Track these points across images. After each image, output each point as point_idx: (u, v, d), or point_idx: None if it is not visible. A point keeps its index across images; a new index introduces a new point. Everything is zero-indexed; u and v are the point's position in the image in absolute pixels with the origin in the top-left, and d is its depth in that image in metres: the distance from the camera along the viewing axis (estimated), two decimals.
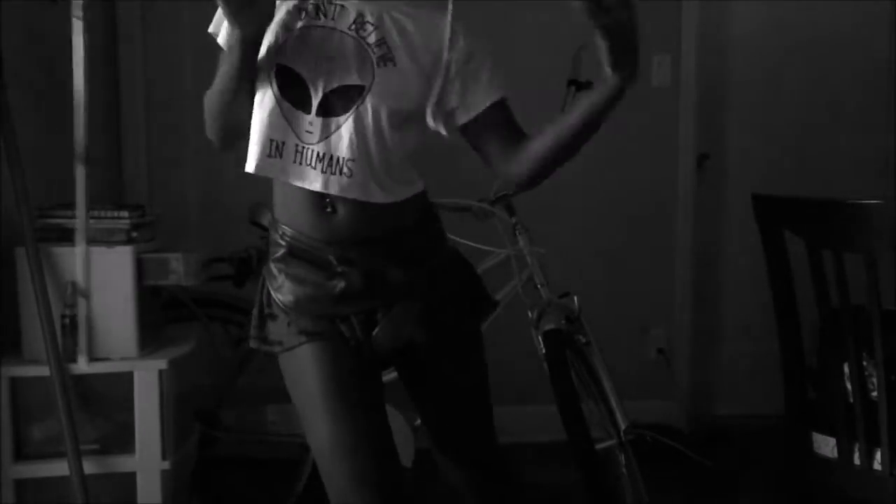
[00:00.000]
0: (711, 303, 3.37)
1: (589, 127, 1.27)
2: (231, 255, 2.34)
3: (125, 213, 2.08)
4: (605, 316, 2.65)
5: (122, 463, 2.03)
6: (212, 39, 1.36)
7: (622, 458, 2.04)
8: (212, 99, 1.33)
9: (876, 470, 1.94)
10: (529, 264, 2.21)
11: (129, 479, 2.03)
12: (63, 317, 1.98)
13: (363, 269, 1.36)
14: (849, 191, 2.32)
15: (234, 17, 1.21)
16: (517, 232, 2.23)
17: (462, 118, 1.36)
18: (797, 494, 2.47)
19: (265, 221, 2.20)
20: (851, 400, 1.99)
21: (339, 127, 1.29)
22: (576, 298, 2.12)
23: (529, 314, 2.16)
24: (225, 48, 1.32)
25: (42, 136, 2.25)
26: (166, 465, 2.04)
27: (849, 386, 2.01)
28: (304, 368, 1.36)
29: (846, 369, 2.02)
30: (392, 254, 1.37)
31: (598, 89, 1.22)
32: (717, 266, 3.38)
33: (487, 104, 1.35)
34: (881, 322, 1.91)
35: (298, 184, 1.31)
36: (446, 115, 1.36)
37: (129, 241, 2.07)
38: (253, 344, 1.45)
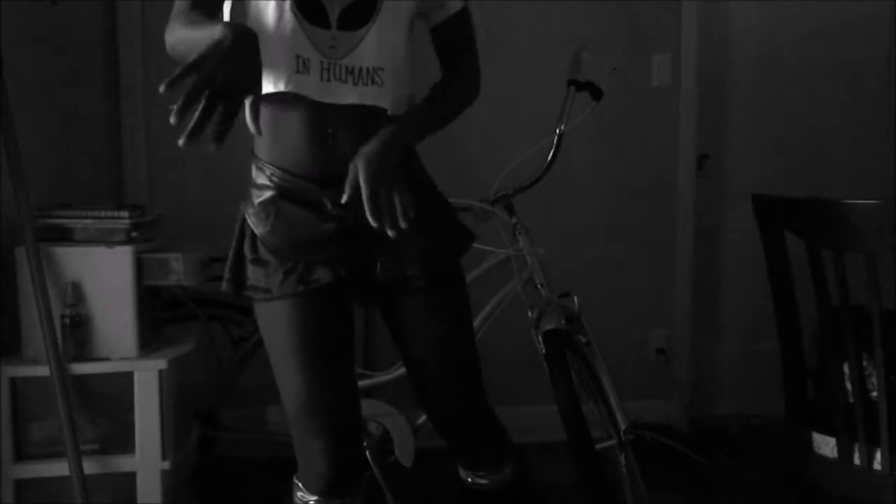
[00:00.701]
0: (711, 303, 3.37)
1: None
2: None
3: (125, 213, 2.09)
4: (605, 316, 2.65)
5: (122, 463, 2.04)
6: None
7: (622, 458, 2.04)
8: (180, 46, 1.23)
9: (876, 470, 1.94)
10: (529, 264, 2.21)
11: (129, 479, 2.04)
12: (63, 317, 1.98)
13: (356, 210, 1.32)
14: (849, 191, 2.32)
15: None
16: (517, 232, 2.23)
17: (431, 23, 1.45)
18: (797, 494, 2.47)
19: None
20: (851, 400, 1.99)
21: (362, 38, 1.33)
22: (576, 298, 2.11)
23: (529, 314, 2.15)
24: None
25: (42, 135, 2.25)
26: (166, 465, 2.05)
27: (849, 386, 2.01)
28: (284, 319, 1.37)
29: (846, 369, 2.02)
30: None
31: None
32: (717, 266, 3.38)
33: (451, 13, 1.43)
34: (881, 322, 1.91)
35: (328, 100, 1.32)
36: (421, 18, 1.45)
37: (129, 241, 2.07)
38: (226, 287, 1.42)
